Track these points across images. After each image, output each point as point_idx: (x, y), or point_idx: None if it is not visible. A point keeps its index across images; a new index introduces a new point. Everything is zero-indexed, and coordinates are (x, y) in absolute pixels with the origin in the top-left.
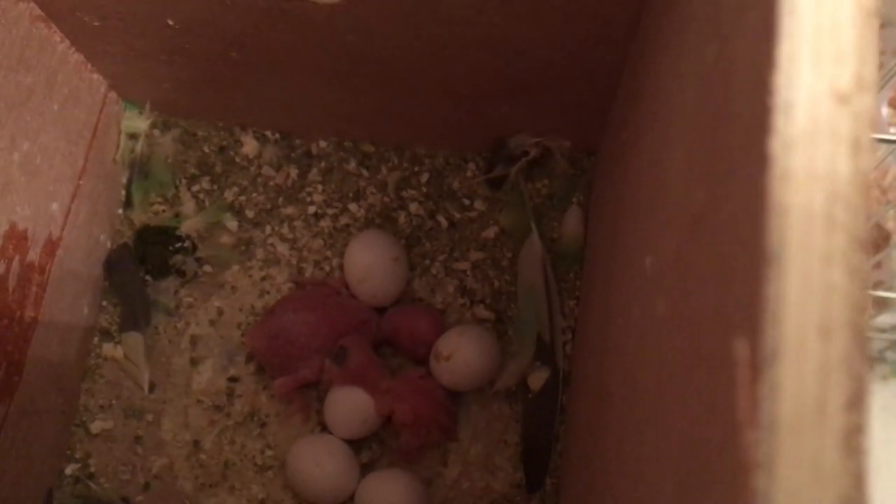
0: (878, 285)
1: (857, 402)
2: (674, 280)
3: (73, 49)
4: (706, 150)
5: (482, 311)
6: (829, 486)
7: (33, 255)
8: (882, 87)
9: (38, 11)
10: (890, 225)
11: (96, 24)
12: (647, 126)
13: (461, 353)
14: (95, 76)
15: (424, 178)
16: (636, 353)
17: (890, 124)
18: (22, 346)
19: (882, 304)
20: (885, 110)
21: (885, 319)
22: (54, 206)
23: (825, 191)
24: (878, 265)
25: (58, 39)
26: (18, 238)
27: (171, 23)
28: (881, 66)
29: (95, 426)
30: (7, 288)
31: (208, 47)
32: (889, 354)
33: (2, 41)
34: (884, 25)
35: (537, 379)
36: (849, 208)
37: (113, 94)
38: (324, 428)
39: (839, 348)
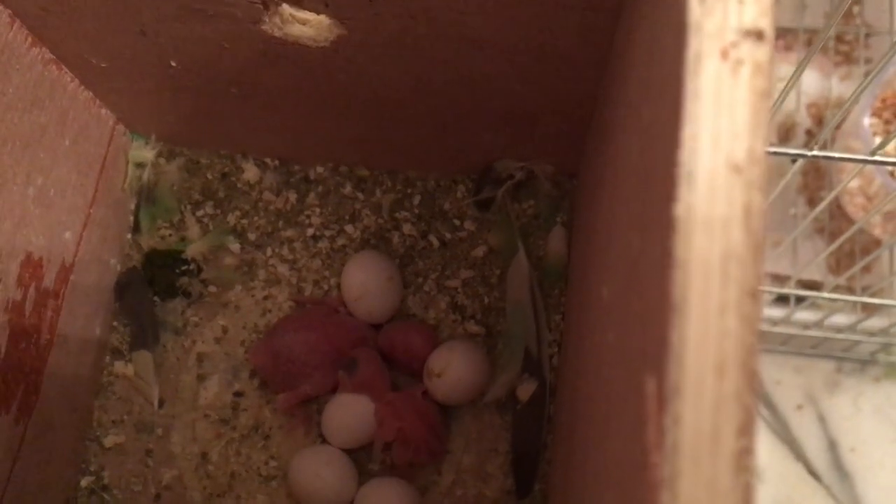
0: (866, 289)
1: (746, 430)
2: (619, 313)
3: (83, 87)
4: (640, 200)
5: (473, 326)
6: (723, 501)
7: (48, 282)
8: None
9: (49, 55)
10: (877, 231)
11: (103, 65)
12: (612, 159)
13: (452, 369)
14: (104, 111)
15: (417, 200)
16: (593, 375)
17: (874, 134)
18: (39, 367)
19: (872, 309)
20: (867, 120)
21: (874, 323)
22: (67, 234)
23: (721, 249)
24: (867, 269)
25: (68, 80)
26: (34, 266)
27: (173, 64)
28: (865, 74)
29: (108, 440)
30: (24, 313)
31: (209, 85)
32: (881, 357)
33: (17, 84)
34: (869, 35)
35: (525, 390)
36: (741, 265)
37: (120, 127)
38: (324, 440)
39: (732, 384)
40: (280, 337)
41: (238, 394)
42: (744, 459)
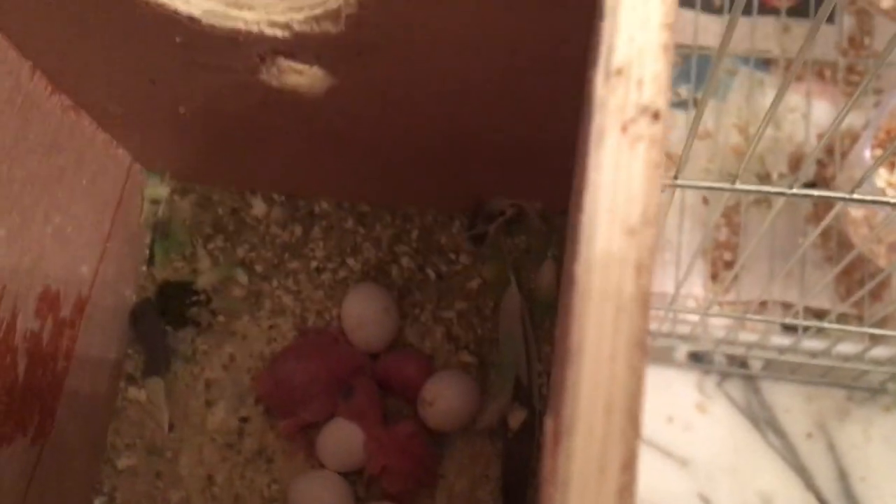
0: (871, 316)
1: (629, 465)
2: (560, 347)
3: (100, 130)
4: (569, 252)
5: (466, 356)
6: None
7: (65, 313)
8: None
9: (68, 101)
10: (882, 262)
11: (119, 111)
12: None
13: (443, 399)
14: (121, 151)
15: (415, 234)
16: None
17: (872, 156)
18: (56, 392)
19: (880, 338)
20: (868, 153)
21: (882, 352)
22: (84, 268)
23: (614, 305)
24: (877, 298)
25: (86, 124)
26: (52, 299)
27: (182, 110)
28: (874, 105)
29: (121, 462)
30: (42, 342)
31: (216, 127)
32: (890, 386)
33: (37, 130)
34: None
35: (516, 418)
36: (630, 318)
37: (136, 166)
38: (322, 465)
39: (618, 423)
40: (282, 366)
41: (244, 419)
42: (627, 493)
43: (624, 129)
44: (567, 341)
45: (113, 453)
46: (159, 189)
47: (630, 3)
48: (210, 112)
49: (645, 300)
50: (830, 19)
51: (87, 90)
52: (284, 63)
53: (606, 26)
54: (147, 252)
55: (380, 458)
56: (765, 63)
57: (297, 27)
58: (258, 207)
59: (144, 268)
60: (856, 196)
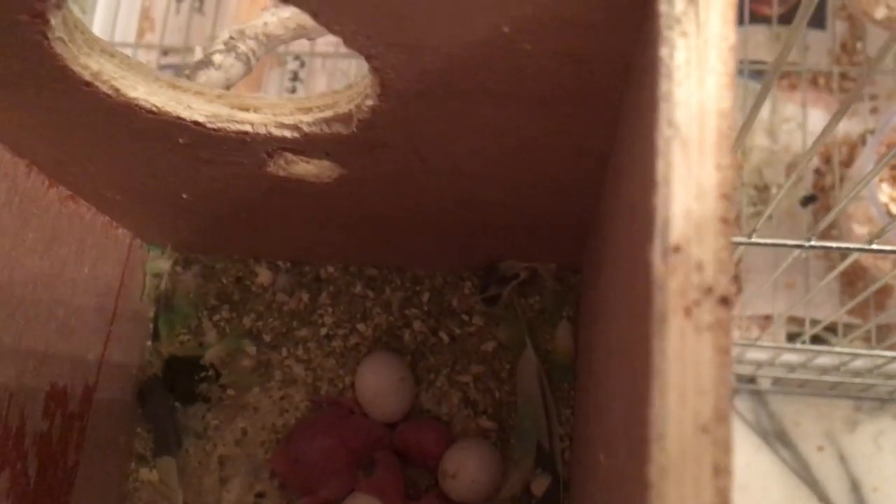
0: (881, 329)
1: None
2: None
3: (100, 214)
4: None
5: (485, 422)
6: None
7: (73, 406)
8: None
9: (66, 192)
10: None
11: (118, 198)
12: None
13: (465, 471)
14: (121, 231)
15: (425, 297)
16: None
17: (881, 180)
18: (67, 489)
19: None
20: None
21: (893, 367)
22: (89, 356)
23: None
24: (880, 307)
25: (84, 210)
26: (59, 395)
27: (184, 196)
28: (870, 111)
29: None
30: (51, 442)
31: (220, 210)
32: None
33: (35, 227)
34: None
35: (539, 485)
36: None
37: (137, 241)
38: None
39: None
40: (297, 444)
41: (259, 495)
42: None
43: (687, 312)
44: None
45: None
46: (161, 262)
47: (683, 172)
48: (214, 198)
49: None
50: (822, 26)
51: (85, 182)
52: (292, 157)
53: (660, 197)
54: (151, 326)
55: None
56: (758, 74)
57: (306, 128)
58: (263, 275)
59: (149, 343)
60: (874, 247)
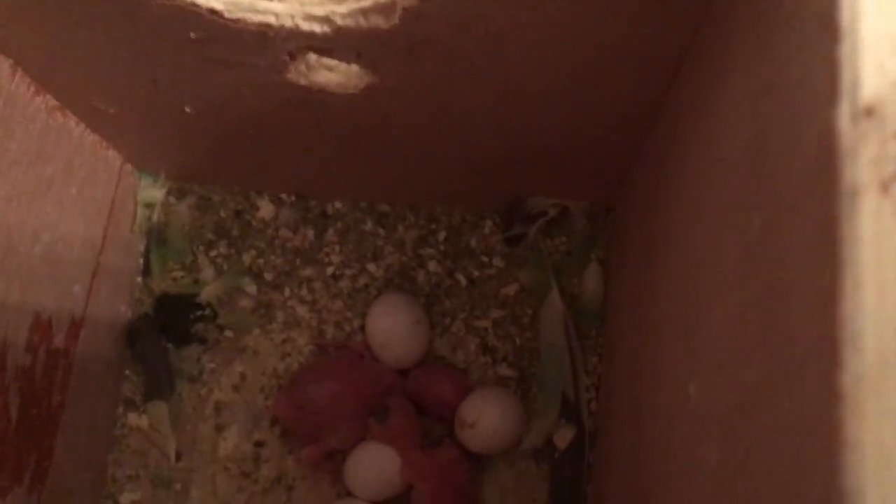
0: None
1: None
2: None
3: (89, 131)
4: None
5: (505, 370)
6: None
7: (58, 341)
8: None
9: (53, 102)
10: None
11: (112, 111)
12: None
13: (485, 420)
14: (111, 152)
15: (441, 236)
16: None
17: None
18: (51, 430)
19: None
20: None
21: None
22: (76, 288)
23: (894, 426)
24: None
25: (73, 125)
26: (43, 328)
27: (187, 110)
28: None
29: (125, 498)
30: (34, 378)
31: (225, 126)
32: None
33: (20, 138)
34: None
35: (563, 437)
36: None
37: (128, 167)
38: (349, 493)
39: None
40: (303, 388)
41: (259, 443)
42: None
43: (884, 188)
44: (838, 482)
45: (115, 487)
46: (153, 191)
47: (875, 19)
48: (220, 111)
49: None
50: None
51: (76, 88)
52: (316, 60)
53: (845, 50)
54: (142, 261)
55: (422, 488)
56: None
57: (338, 21)
58: (265, 209)
59: (140, 279)
60: None
